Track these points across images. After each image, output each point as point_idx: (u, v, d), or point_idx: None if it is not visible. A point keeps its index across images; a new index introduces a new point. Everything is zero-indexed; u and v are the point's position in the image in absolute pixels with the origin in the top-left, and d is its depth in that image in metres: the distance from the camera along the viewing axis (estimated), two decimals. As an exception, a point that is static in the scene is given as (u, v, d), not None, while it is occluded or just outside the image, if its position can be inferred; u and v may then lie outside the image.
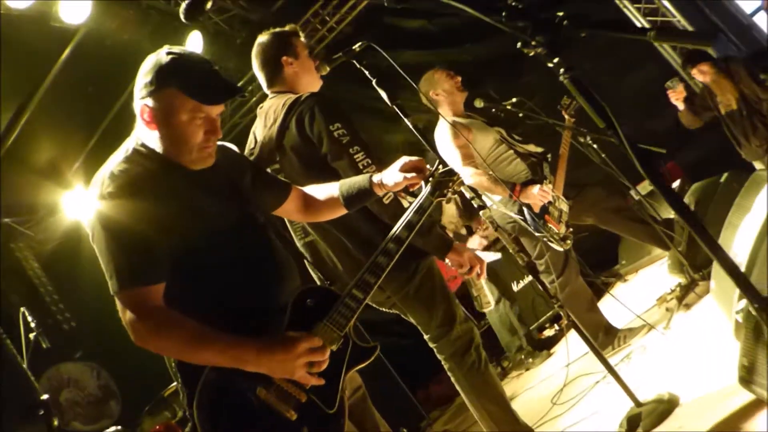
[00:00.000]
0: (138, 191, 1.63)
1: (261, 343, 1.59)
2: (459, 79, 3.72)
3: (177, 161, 1.72)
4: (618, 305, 3.44)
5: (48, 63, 4.66)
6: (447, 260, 2.32)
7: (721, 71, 4.94)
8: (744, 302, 1.65)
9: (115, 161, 1.71)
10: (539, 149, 3.70)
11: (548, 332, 5.05)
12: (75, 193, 5.62)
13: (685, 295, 3.43)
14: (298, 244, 2.65)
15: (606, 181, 3.85)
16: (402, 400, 4.82)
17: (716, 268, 2.12)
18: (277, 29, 2.69)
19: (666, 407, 2.24)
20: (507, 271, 5.03)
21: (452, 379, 2.48)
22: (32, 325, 4.21)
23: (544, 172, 3.55)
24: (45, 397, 2.58)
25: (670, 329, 3.15)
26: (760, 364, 1.72)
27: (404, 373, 4.91)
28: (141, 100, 1.68)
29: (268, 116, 2.55)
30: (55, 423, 2.54)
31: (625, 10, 6.03)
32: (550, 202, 3.43)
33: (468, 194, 2.50)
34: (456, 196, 2.07)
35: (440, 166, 2.00)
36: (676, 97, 4.95)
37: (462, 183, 2.04)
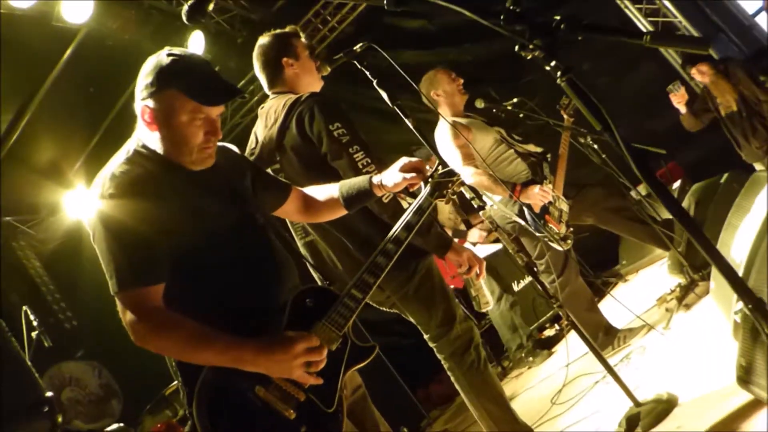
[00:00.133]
0: (139, 192, 1.64)
1: (259, 343, 1.60)
2: (461, 81, 3.73)
3: (177, 162, 1.73)
4: (618, 305, 3.45)
5: (49, 63, 4.67)
6: (446, 259, 2.33)
7: (719, 72, 4.95)
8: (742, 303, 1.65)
9: (116, 162, 1.72)
10: (539, 149, 3.71)
11: (548, 332, 5.06)
12: (76, 192, 5.64)
13: (684, 296, 3.44)
14: (299, 243, 2.66)
15: (606, 181, 3.86)
16: (402, 399, 4.83)
17: (716, 269, 2.12)
18: (278, 30, 2.70)
19: (665, 407, 2.25)
20: (508, 271, 5.04)
21: (452, 378, 2.49)
22: (34, 323, 4.23)
23: (544, 172, 3.56)
24: (49, 394, 2.59)
25: (669, 329, 3.15)
26: (758, 364, 1.73)
27: (404, 372, 4.92)
28: (142, 101, 1.70)
29: (268, 116, 2.56)
30: (60, 420, 2.55)
31: (626, 10, 6.02)
32: (550, 202, 3.44)
33: (468, 194, 2.51)
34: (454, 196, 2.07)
35: (440, 167, 2.01)
36: (678, 101, 4.96)
37: (462, 183, 2.04)
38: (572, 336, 3.84)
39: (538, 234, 3.42)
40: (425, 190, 1.94)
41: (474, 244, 5.10)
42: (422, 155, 4.32)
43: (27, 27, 4.21)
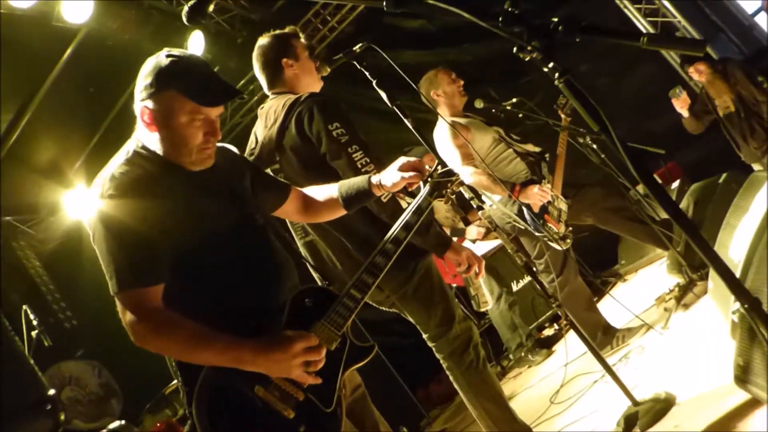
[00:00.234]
0: (138, 193, 1.65)
1: (258, 342, 1.61)
2: (461, 83, 3.74)
3: (177, 163, 1.74)
4: (617, 305, 3.46)
5: (50, 63, 4.67)
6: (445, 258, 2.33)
7: (717, 72, 4.95)
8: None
9: (116, 163, 1.73)
10: (537, 149, 3.72)
11: (547, 332, 5.07)
12: (76, 192, 5.64)
13: (683, 296, 3.45)
14: (298, 243, 2.67)
15: (605, 181, 3.86)
16: (402, 398, 4.84)
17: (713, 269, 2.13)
18: (278, 31, 2.70)
19: (663, 406, 2.25)
20: (507, 271, 5.04)
21: (451, 377, 2.50)
22: (34, 323, 4.23)
23: (542, 172, 3.57)
24: (52, 392, 2.60)
25: (668, 329, 3.16)
26: (756, 363, 1.73)
27: (404, 372, 4.93)
28: (141, 102, 1.71)
29: (268, 117, 2.57)
30: (62, 417, 2.56)
31: (625, 10, 6.03)
32: (549, 202, 3.45)
33: (467, 194, 2.51)
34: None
35: (439, 167, 2.01)
36: (681, 106, 4.98)
37: (461, 183, 2.05)
38: (571, 335, 3.86)
39: (537, 233, 3.43)
40: (424, 190, 1.95)
41: (473, 242, 5.11)
42: (416, 155, 4.32)
43: (27, 27, 4.21)
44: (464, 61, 6.16)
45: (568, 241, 3.49)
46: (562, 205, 3.55)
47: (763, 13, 5.93)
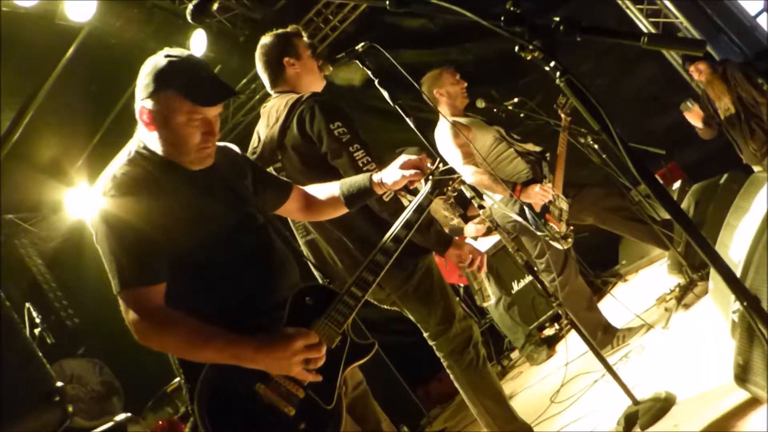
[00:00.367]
0: (139, 193, 1.66)
1: (259, 340, 1.62)
2: (464, 84, 3.75)
3: (177, 162, 1.75)
4: (617, 305, 3.46)
5: (52, 61, 4.67)
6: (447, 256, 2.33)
7: (716, 72, 4.95)
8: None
9: (117, 164, 1.74)
10: (538, 148, 3.72)
11: (548, 331, 5.07)
12: (78, 190, 5.65)
13: (683, 296, 3.45)
14: (300, 242, 2.68)
15: (606, 180, 3.87)
16: (402, 397, 4.85)
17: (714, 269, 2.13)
18: (280, 30, 2.71)
19: (663, 405, 2.26)
20: (507, 270, 5.04)
21: (451, 376, 2.50)
22: (37, 320, 4.25)
23: (543, 171, 3.57)
24: (60, 384, 2.60)
25: (668, 329, 3.17)
26: (756, 363, 1.74)
27: (405, 370, 4.94)
28: (140, 102, 1.72)
29: (270, 116, 2.58)
30: (70, 410, 2.56)
31: (627, 11, 6.02)
32: (550, 201, 3.45)
33: (468, 193, 2.52)
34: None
35: (440, 165, 2.01)
36: (694, 119, 4.97)
37: (462, 182, 2.05)
38: (572, 335, 3.86)
39: (539, 233, 3.43)
40: (425, 188, 1.95)
41: (475, 239, 5.10)
42: (411, 154, 4.33)
43: (30, 25, 4.22)
44: (465, 60, 6.16)
45: (570, 240, 3.49)
46: (564, 205, 3.55)
47: (764, 14, 5.92)
